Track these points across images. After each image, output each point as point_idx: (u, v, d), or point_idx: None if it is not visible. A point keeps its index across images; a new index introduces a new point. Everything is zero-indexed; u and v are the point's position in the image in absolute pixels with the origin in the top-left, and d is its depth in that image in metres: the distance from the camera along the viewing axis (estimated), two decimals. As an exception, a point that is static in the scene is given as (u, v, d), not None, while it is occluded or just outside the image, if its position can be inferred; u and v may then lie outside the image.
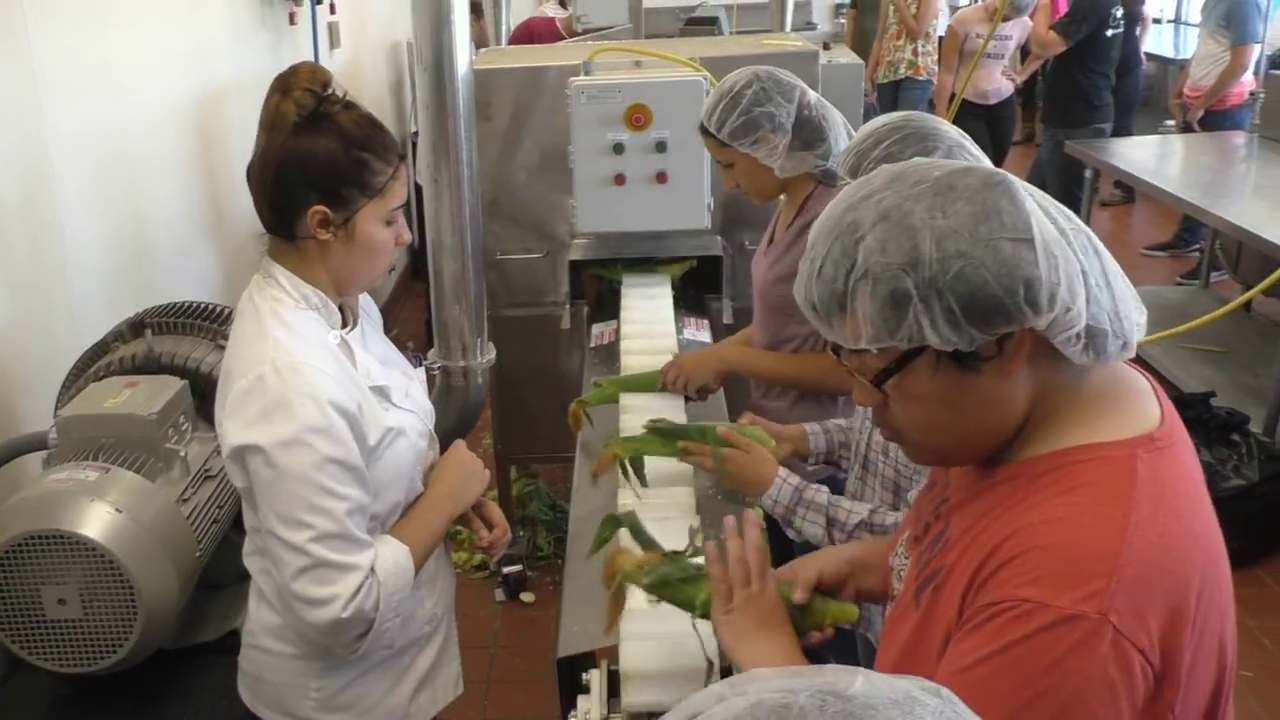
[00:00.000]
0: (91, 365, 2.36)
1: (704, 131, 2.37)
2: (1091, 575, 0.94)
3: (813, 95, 2.36)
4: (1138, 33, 7.04)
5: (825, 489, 1.84)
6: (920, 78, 7.39)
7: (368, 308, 1.85)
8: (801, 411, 2.38)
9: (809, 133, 2.31)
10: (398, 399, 1.74)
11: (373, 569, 1.61)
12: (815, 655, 1.44)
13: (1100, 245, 1.05)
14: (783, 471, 1.86)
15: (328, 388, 1.56)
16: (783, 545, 2.39)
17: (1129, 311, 1.04)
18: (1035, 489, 1.03)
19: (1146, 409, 1.07)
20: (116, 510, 1.92)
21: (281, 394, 1.54)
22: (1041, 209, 1.03)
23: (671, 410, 2.35)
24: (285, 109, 1.58)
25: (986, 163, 1.69)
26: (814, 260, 1.05)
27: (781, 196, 2.46)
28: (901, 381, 1.05)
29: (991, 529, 1.03)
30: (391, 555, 1.66)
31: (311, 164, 1.58)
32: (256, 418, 1.55)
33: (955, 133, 1.76)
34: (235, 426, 1.57)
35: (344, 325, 1.71)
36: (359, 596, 1.58)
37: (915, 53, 7.41)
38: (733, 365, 2.50)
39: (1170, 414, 1.08)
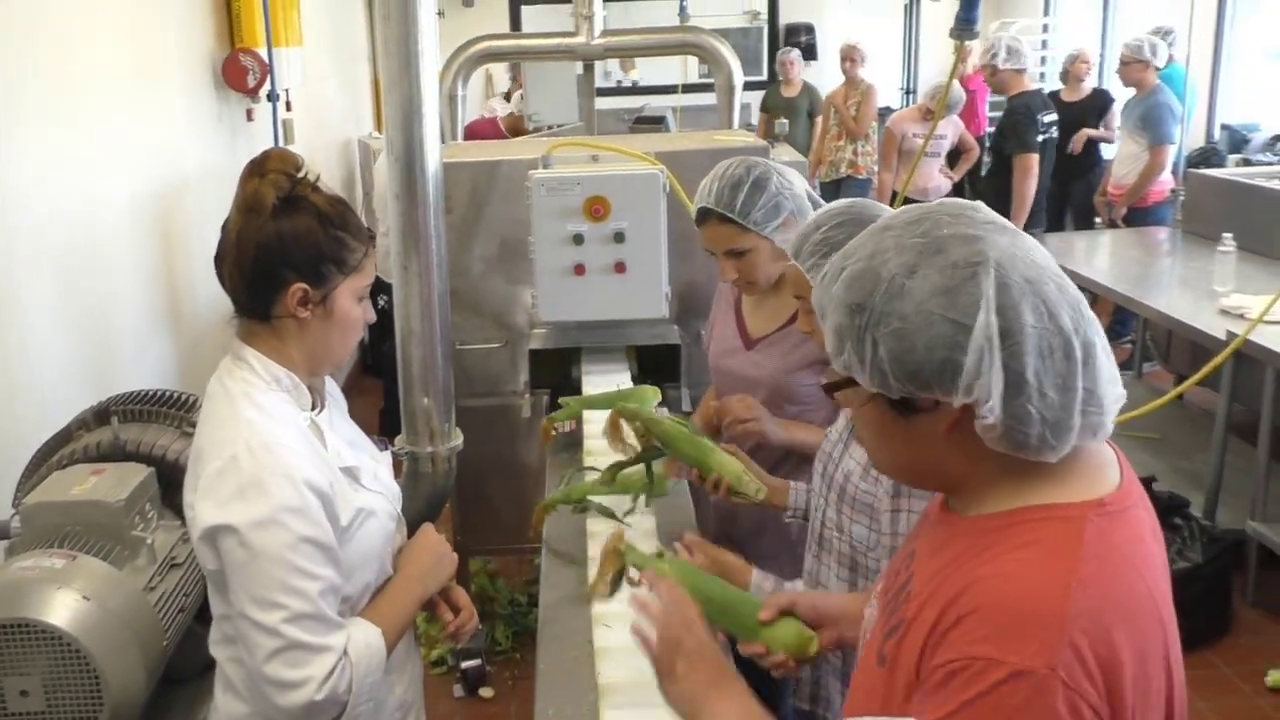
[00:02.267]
0: (54, 453, 2.33)
1: (716, 219, 2.33)
2: (1038, 630, 0.97)
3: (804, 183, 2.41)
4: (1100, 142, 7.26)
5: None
6: (860, 176, 7.70)
7: (333, 391, 1.86)
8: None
9: None
10: (367, 481, 1.75)
11: (345, 651, 1.60)
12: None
13: (1086, 356, 1.06)
14: (756, 575, 1.85)
15: (302, 467, 1.57)
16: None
17: (1079, 422, 1.05)
18: (989, 544, 1.07)
19: (1104, 476, 1.11)
20: (84, 598, 1.88)
21: (256, 474, 1.53)
22: (1032, 301, 1.04)
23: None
24: (264, 191, 1.60)
25: None
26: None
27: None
28: (847, 396, 1.15)
29: (948, 583, 1.07)
30: (364, 637, 1.65)
31: (293, 244, 1.60)
32: (230, 498, 1.54)
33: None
34: (208, 507, 1.55)
35: (313, 408, 1.72)
36: (333, 678, 1.56)
37: (855, 153, 7.75)
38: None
39: (1130, 483, 1.13)
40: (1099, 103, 7.07)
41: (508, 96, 8.65)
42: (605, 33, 4.27)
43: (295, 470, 1.55)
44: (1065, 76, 7.25)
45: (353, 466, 1.72)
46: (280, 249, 1.60)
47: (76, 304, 3.06)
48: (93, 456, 2.28)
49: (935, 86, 7.17)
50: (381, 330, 4.49)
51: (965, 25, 3.20)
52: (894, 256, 1.07)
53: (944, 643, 1.02)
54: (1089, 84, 7.17)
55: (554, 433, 2.66)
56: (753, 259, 2.35)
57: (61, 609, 1.85)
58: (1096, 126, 7.01)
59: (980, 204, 1.14)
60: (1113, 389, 1.09)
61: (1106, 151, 7.18)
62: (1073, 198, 7.08)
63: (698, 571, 1.69)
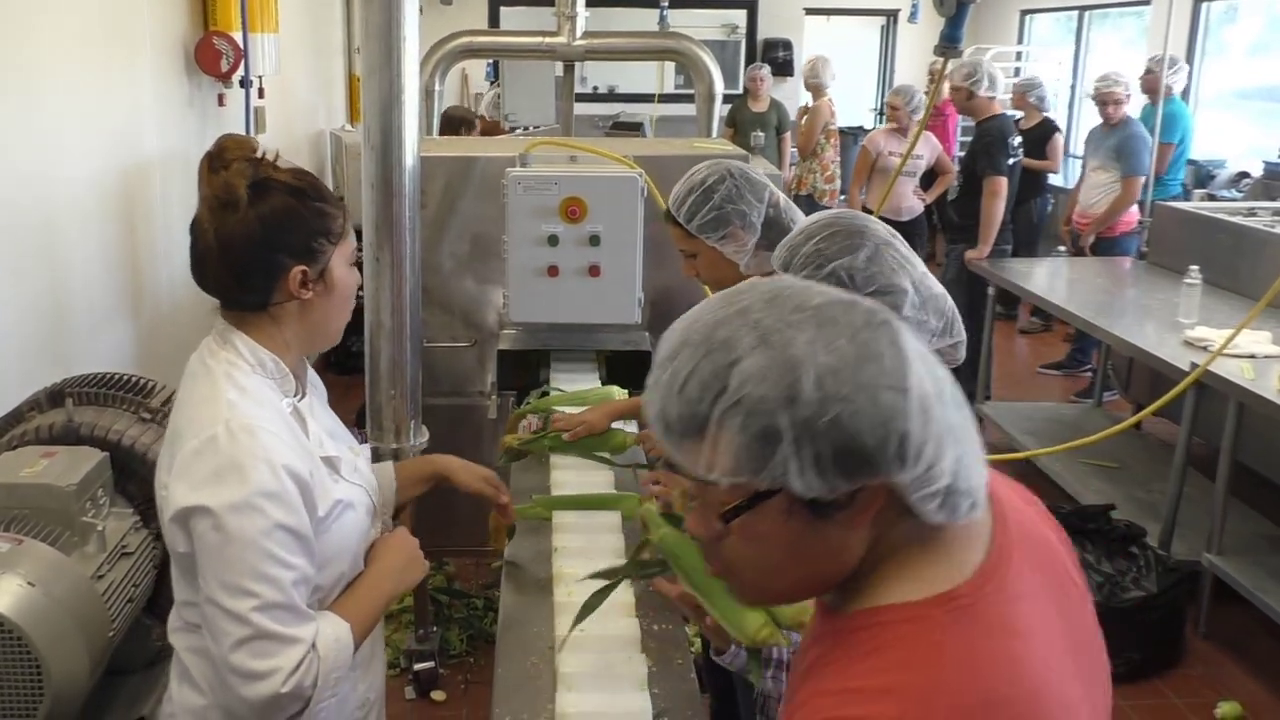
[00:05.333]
0: (4, 434, 2.26)
1: (670, 220, 2.36)
2: None
3: (781, 196, 2.37)
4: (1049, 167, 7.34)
5: (785, 647, 1.72)
6: (801, 193, 7.74)
7: (314, 380, 1.81)
8: None
9: (776, 233, 2.30)
10: (346, 472, 1.71)
11: (314, 644, 1.55)
12: None
13: (963, 398, 0.99)
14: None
15: (282, 452, 1.52)
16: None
17: (979, 468, 0.98)
18: (848, 649, 0.98)
19: (964, 559, 0.99)
20: (29, 584, 1.82)
21: (234, 456, 1.49)
22: (920, 356, 0.95)
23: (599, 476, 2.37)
24: (234, 182, 1.54)
25: (917, 262, 1.76)
26: (676, 373, 0.93)
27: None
28: (749, 520, 0.95)
29: (816, 695, 0.98)
30: (333, 632, 1.60)
31: (279, 228, 1.55)
32: (207, 479, 1.49)
33: (884, 230, 1.79)
34: (183, 487, 1.50)
35: (296, 395, 1.67)
36: (299, 672, 1.52)
37: (809, 169, 7.82)
38: None
39: (1002, 550, 1.01)
40: (1040, 133, 7.16)
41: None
42: (587, 34, 4.24)
43: (275, 455, 1.51)
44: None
45: (333, 457, 1.68)
46: (268, 237, 1.55)
47: (32, 283, 2.98)
48: (45, 439, 2.22)
49: (901, 87, 7.20)
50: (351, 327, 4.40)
51: (950, 43, 3.21)
52: (794, 334, 0.91)
53: None
54: (1037, 114, 7.27)
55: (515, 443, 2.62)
56: (701, 261, 2.37)
57: (4, 594, 1.80)
58: (1040, 154, 7.10)
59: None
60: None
61: (1053, 179, 7.30)
62: (1016, 223, 7.16)
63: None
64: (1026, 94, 7.30)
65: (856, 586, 1.00)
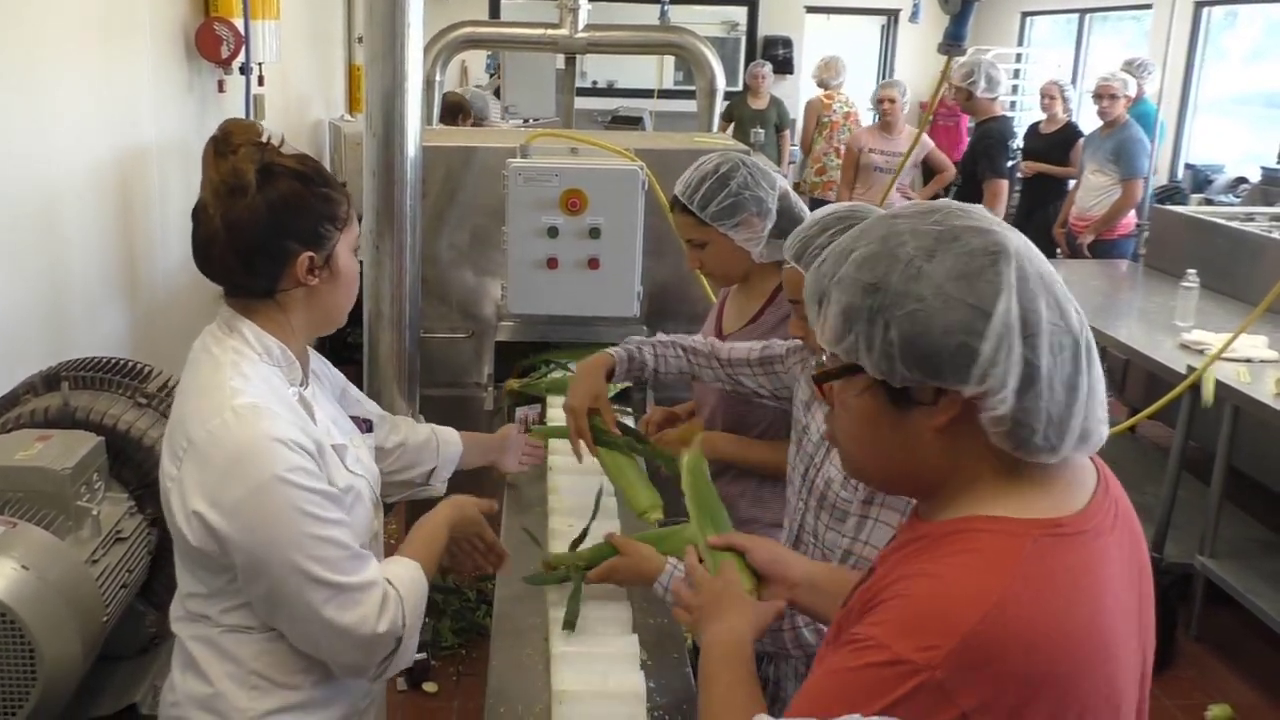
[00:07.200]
0: (-1, 416, 2.25)
1: (679, 209, 2.33)
2: (934, 632, 0.96)
3: (788, 187, 2.35)
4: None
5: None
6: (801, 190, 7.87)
7: (321, 370, 1.81)
8: (756, 506, 2.35)
9: (787, 221, 2.29)
10: (350, 463, 1.69)
11: (387, 579, 1.60)
12: None
13: (1088, 359, 1.05)
14: (672, 561, 1.80)
15: (288, 430, 1.52)
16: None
17: (1079, 425, 1.04)
18: (936, 548, 1.05)
19: (1070, 496, 1.07)
20: (22, 567, 1.81)
21: (245, 440, 1.48)
22: (1046, 296, 1.03)
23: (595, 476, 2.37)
24: (242, 167, 1.52)
25: None
26: (821, 249, 1.11)
27: (733, 287, 2.47)
28: (840, 389, 1.11)
29: (891, 573, 1.06)
30: (407, 572, 1.65)
31: (287, 214, 1.54)
32: (223, 469, 1.47)
33: None
34: (199, 479, 1.49)
35: (301, 383, 1.66)
36: (388, 609, 1.56)
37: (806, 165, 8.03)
38: (723, 456, 2.36)
39: (1100, 507, 1.08)
40: (1064, 136, 7.12)
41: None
42: (589, 27, 4.23)
43: (283, 432, 1.51)
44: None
45: (341, 444, 1.67)
46: (277, 222, 1.54)
47: (29, 267, 2.97)
48: (40, 422, 2.20)
49: (891, 81, 7.19)
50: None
51: (954, 42, 3.20)
52: (911, 240, 1.04)
53: (862, 620, 1.03)
54: (1062, 116, 7.21)
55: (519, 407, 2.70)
56: (711, 251, 2.35)
57: (-2, 577, 1.78)
58: (1064, 159, 7.03)
59: (981, 207, 1.12)
60: (1104, 397, 1.07)
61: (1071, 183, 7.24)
62: (1034, 227, 7.13)
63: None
64: (1067, 96, 7.21)
65: (952, 499, 1.08)
